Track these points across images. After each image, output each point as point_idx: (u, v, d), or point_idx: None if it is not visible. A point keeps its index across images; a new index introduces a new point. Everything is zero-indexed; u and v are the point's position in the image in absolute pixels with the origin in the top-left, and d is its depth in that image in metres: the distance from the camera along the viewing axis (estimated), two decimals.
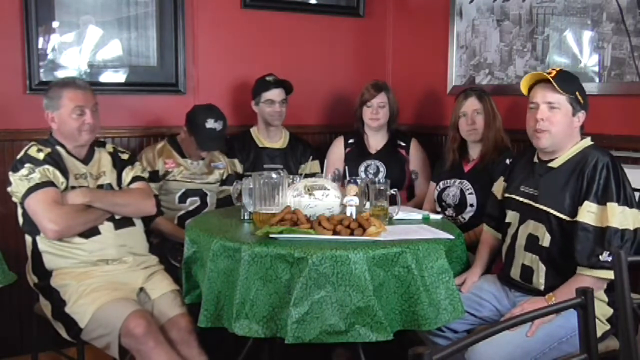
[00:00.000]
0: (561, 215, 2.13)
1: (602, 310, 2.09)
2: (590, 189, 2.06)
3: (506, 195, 2.38)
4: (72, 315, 2.34)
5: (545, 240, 2.17)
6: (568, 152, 2.19)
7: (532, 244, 2.21)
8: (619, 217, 2.02)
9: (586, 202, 2.06)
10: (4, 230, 2.93)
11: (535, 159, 2.29)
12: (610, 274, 1.98)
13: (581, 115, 2.20)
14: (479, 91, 2.91)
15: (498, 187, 2.47)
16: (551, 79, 2.14)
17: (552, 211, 2.15)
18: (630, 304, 1.46)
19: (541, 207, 2.18)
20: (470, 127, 2.86)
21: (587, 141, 2.22)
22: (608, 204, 2.03)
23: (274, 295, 2.03)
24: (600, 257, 2.02)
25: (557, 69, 2.22)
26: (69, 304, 2.35)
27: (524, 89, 2.25)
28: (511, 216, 2.34)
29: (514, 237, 2.29)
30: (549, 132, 2.16)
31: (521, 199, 2.28)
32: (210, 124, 3.01)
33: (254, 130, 3.46)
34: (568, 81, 2.19)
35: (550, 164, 2.22)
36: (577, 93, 2.18)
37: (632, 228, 2.03)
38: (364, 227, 2.16)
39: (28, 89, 3.08)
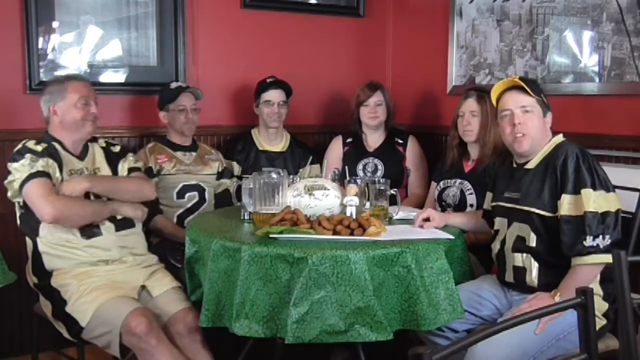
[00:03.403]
0: (543, 213, 2.15)
1: (598, 305, 2.09)
2: (565, 182, 2.09)
3: (493, 204, 2.40)
4: (73, 314, 2.34)
5: (532, 240, 2.18)
6: (542, 151, 2.22)
7: (520, 244, 2.22)
8: (596, 201, 2.03)
9: (563, 196, 2.09)
10: (4, 230, 2.93)
11: (514, 164, 2.32)
12: (601, 258, 2.02)
13: (549, 116, 2.25)
14: (481, 92, 2.90)
15: (487, 200, 2.50)
16: (523, 83, 2.18)
17: (534, 210, 2.17)
18: (630, 304, 1.46)
19: (524, 207, 2.21)
20: (465, 127, 2.86)
21: (559, 138, 2.25)
22: (582, 190, 2.05)
23: (274, 295, 2.03)
24: (584, 243, 2.03)
25: (517, 76, 2.28)
26: (70, 303, 2.35)
27: (494, 98, 2.28)
28: (499, 223, 2.34)
29: (503, 242, 2.30)
30: (528, 135, 2.19)
31: (506, 205, 2.30)
32: (174, 84, 3.16)
33: (254, 132, 3.47)
34: (534, 84, 2.24)
35: (526, 166, 2.25)
36: (542, 95, 2.23)
37: (613, 210, 2.05)
38: (364, 227, 2.16)
39: (28, 88, 3.08)
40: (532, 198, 2.18)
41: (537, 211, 2.16)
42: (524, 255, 2.21)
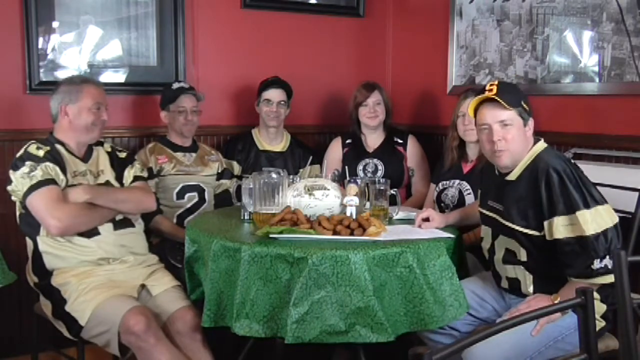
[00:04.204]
0: (528, 231, 2.10)
1: (597, 307, 2.07)
2: (554, 204, 2.01)
3: (479, 209, 2.37)
4: (72, 313, 2.34)
5: (522, 255, 2.14)
6: (522, 162, 2.15)
7: (511, 257, 2.19)
8: (594, 221, 1.98)
9: (556, 218, 2.01)
10: (4, 230, 2.93)
11: (496, 172, 2.26)
12: (606, 279, 1.97)
13: (530, 123, 2.16)
14: (479, 92, 2.90)
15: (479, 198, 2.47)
16: (498, 99, 2.09)
17: (518, 228, 2.12)
18: (630, 304, 1.46)
19: (508, 224, 2.16)
20: (466, 127, 2.86)
21: (541, 145, 2.17)
22: (577, 213, 1.98)
23: (274, 295, 2.03)
24: (592, 267, 1.98)
25: (496, 82, 2.17)
26: (69, 302, 2.36)
27: (471, 110, 2.21)
28: (484, 231, 2.32)
29: (491, 251, 2.28)
30: (508, 151, 2.13)
31: (489, 214, 2.27)
32: (176, 85, 3.16)
33: (255, 132, 3.47)
34: (511, 94, 2.14)
35: (508, 177, 2.18)
36: (522, 103, 2.14)
37: (612, 224, 2.00)
38: (364, 227, 2.16)
39: (28, 89, 3.08)
40: (517, 216, 2.12)
41: (523, 230, 2.11)
42: (516, 267, 2.17)
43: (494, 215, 2.24)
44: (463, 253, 2.42)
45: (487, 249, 2.30)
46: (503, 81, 2.24)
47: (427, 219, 2.40)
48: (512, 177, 2.17)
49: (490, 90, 2.13)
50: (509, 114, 2.12)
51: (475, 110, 2.20)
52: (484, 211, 2.30)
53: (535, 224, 2.08)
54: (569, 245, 2.01)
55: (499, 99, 2.09)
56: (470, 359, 1.99)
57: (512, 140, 2.12)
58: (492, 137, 2.13)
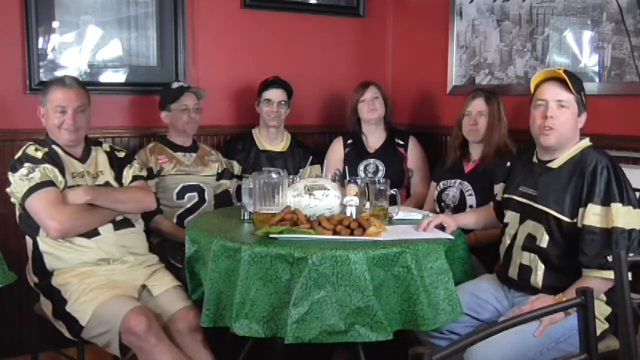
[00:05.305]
0: (561, 216, 2.12)
1: (601, 309, 2.08)
2: (592, 192, 2.06)
3: (505, 195, 2.37)
4: (73, 313, 2.34)
5: (543, 241, 2.16)
6: (568, 152, 2.19)
7: (530, 243, 2.21)
8: (625, 217, 2.01)
9: (590, 205, 2.05)
10: (4, 230, 2.93)
11: (535, 159, 2.29)
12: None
13: (583, 117, 2.22)
14: (488, 93, 2.91)
15: (498, 191, 2.46)
16: (566, 77, 2.13)
17: (551, 212, 2.15)
18: (630, 304, 1.46)
19: (540, 207, 2.18)
20: (471, 126, 2.86)
21: (586, 142, 2.22)
22: (612, 204, 2.02)
23: (274, 295, 2.03)
24: (608, 258, 2.00)
25: (562, 68, 2.21)
26: (70, 302, 2.35)
27: (533, 85, 2.24)
28: (510, 217, 2.32)
29: (514, 237, 2.28)
30: (556, 131, 2.15)
31: (521, 199, 2.27)
32: (175, 84, 3.15)
33: (255, 132, 3.47)
34: (576, 81, 2.20)
35: (549, 165, 2.21)
36: (582, 93, 2.19)
37: (638, 228, 2.03)
38: (364, 227, 2.16)
39: (28, 89, 3.08)
40: (552, 199, 2.15)
41: (555, 214, 2.13)
42: (532, 255, 2.19)
43: (526, 201, 2.25)
44: (468, 253, 2.41)
45: (512, 234, 2.30)
46: (568, 70, 2.28)
47: (440, 226, 2.35)
48: (554, 164, 2.20)
49: (558, 70, 2.17)
50: (569, 97, 2.16)
51: (536, 87, 2.23)
52: (514, 197, 2.31)
53: (569, 212, 2.11)
54: (593, 233, 2.04)
55: (566, 78, 2.13)
56: (472, 359, 2.00)
57: (563, 123, 2.15)
58: (546, 112, 2.16)
